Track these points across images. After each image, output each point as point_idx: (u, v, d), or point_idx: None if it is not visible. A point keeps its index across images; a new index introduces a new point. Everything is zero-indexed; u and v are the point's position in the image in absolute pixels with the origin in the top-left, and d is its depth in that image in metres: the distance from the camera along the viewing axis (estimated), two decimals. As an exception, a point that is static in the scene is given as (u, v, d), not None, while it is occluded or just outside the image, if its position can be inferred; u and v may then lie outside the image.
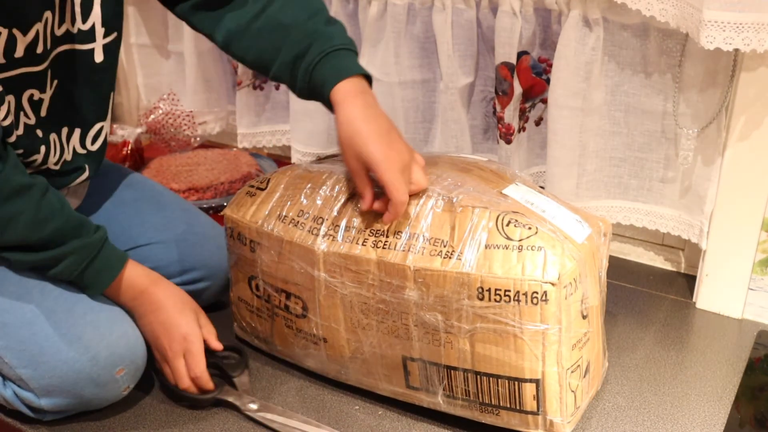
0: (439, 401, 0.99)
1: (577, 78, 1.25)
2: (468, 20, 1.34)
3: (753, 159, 1.16)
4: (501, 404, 0.94)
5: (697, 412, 1.04)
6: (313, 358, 1.08)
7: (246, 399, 1.03)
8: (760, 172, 1.16)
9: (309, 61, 0.99)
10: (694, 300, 1.29)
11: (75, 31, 1.01)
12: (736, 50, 1.12)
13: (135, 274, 1.03)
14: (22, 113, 0.98)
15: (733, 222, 1.21)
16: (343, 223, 0.99)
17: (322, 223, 1.00)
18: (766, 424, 1.03)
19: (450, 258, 0.91)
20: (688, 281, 1.35)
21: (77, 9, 1.00)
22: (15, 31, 0.93)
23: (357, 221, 0.98)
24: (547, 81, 1.32)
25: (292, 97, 1.36)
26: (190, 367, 1.03)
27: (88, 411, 1.03)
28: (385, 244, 0.95)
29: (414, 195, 0.96)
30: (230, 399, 1.04)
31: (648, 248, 1.42)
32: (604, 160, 1.33)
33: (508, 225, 0.91)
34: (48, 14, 0.96)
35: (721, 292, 1.25)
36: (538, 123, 1.40)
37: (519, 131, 1.38)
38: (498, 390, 0.93)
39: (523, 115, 1.38)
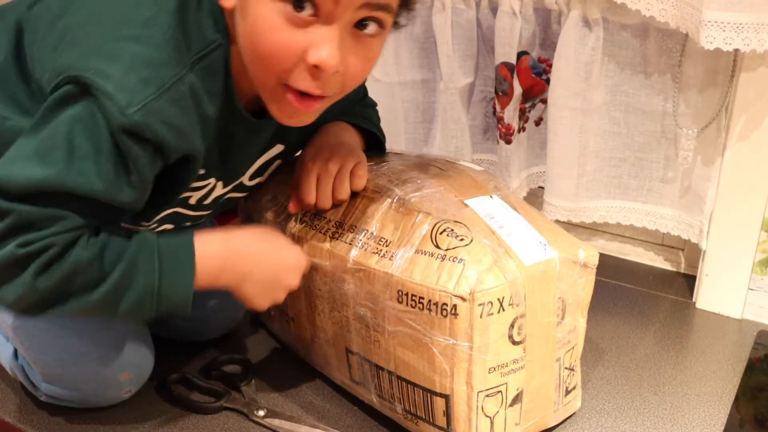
0: (373, 399, 0.99)
1: (577, 78, 1.25)
2: (468, 20, 1.34)
3: (753, 159, 1.16)
4: (418, 414, 0.93)
5: (697, 412, 1.04)
6: (287, 335, 1.13)
7: (253, 406, 1.04)
8: (760, 172, 1.16)
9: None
10: (694, 300, 1.29)
11: (251, 183, 1.05)
12: (736, 50, 1.12)
13: (209, 248, 0.89)
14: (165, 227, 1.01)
15: (732, 222, 1.21)
16: (319, 212, 1.01)
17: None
18: (766, 425, 1.03)
19: (384, 257, 0.91)
20: (688, 281, 1.35)
21: (271, 168, 1.06)
22: (219, 183, 0.96)
23: (329, 211, 1.00)
24: (547, 81, 1.32)
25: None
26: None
27: (88, 410, 1.03)
28: (339, 236, 0.96)
29: (375, 193, 0.97)
30: (237, 406, 1.04)
31: (648, 248, 1.42)
32: (604, 160, 1.33)
33: (441, 233, 0.89)
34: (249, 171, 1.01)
35: (721, 292, 1.25)
36: (538, 123, 1.40)
37: (519, 131, 1.38)
38: (415, 398, 0.92)
39: (522, 115, 1.38)
